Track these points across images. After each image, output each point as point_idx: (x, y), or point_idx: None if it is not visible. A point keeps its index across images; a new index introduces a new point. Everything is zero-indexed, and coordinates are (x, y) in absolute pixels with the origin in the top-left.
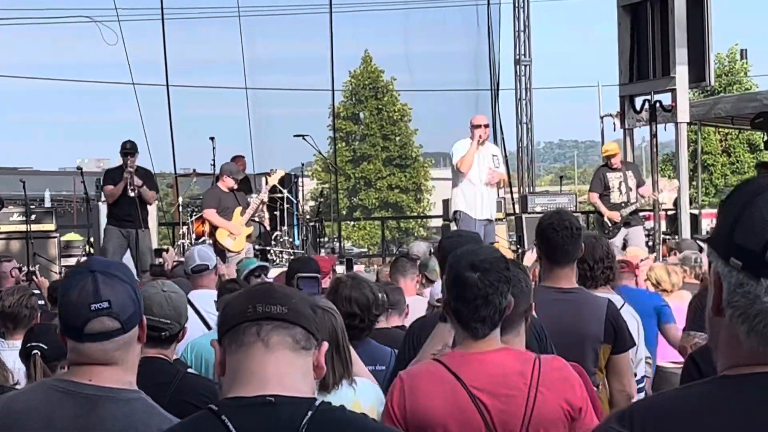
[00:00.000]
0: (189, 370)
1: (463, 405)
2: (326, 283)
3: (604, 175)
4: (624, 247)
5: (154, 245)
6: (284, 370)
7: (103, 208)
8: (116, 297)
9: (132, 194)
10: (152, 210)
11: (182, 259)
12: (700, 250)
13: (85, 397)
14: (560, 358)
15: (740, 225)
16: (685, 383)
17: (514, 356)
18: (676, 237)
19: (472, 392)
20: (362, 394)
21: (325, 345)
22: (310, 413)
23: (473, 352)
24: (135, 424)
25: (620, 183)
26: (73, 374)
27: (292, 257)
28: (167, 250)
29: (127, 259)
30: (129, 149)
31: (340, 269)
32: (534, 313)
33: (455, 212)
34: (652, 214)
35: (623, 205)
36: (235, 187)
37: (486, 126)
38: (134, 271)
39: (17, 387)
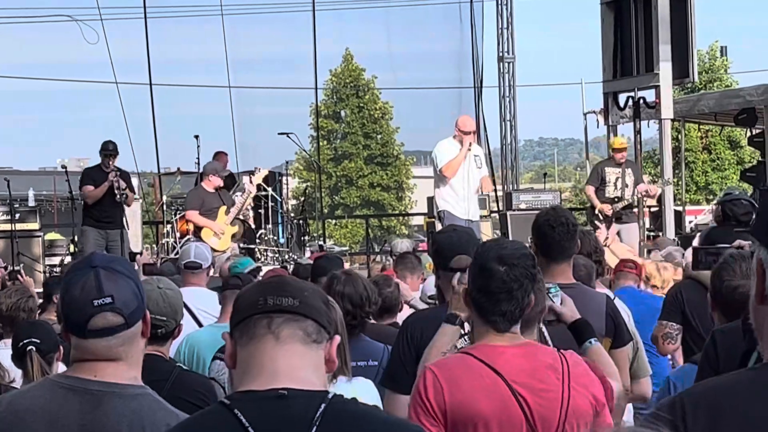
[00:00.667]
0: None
1: (506, 400)
2: None
3: (603, 170)
4: None
5: (138, 247)
6: (295, 363)
7: None
8: (119, 292)
9: (119, 198)
10: (136, 210)
11: (163, 257)
12: (683, 246)
13: (91, 394)
14: (574, 352)
15: None
16: (703, 359)
17: (541, 350)
18: (660, 234)
19: (513, 387)
20: (362, 390)
21: (337, 338)
22: (323, 406)
23: (501, 345)
24: (141, 419)
25: (617, 179)
26: (77, 371)
27: (277, 255)
28: (140, 253)
29: None
30: (111, 150)
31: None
32: None
33: (440, 211)
34: (636, 210)
35: (616, 200)
36: (221, 185)
37: (474, 132)
38: None
39: (13, 385)
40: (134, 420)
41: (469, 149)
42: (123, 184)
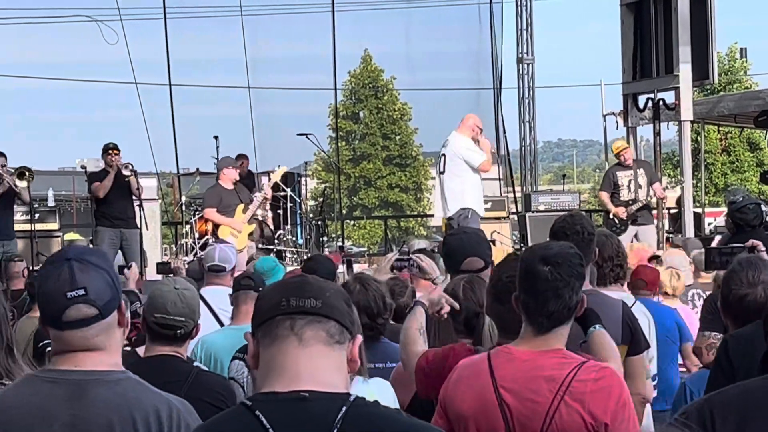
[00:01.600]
0: (197, 365)
1: (489, 402)
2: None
3: (614, 174)
4: None
5: (157, 248)
6: (318, 365)
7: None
8: (92, 284)
9: (126, 172)
10: (155, 210)
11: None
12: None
13: (75, 383)
14: (609, 367)
15: None
16: (716, 366)
17: (556, 361)
18: (680, 235)
19: (500, 391)
20: (378, 391)
21: (359, 338)
22: (344, 408)
23: (521, 350)
24: (128, 402)
25: (629, 181)
26: (58, 363)
27: (296, 256)
28: (129, 267)
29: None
30: (112, 147)
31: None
32: None
33: (467, 209)
34: (656, 212)
35: (630, 202)
36: (237, 178)
37: None
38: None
39: None
40: (121, 404)
41: None
42: (129, 171)
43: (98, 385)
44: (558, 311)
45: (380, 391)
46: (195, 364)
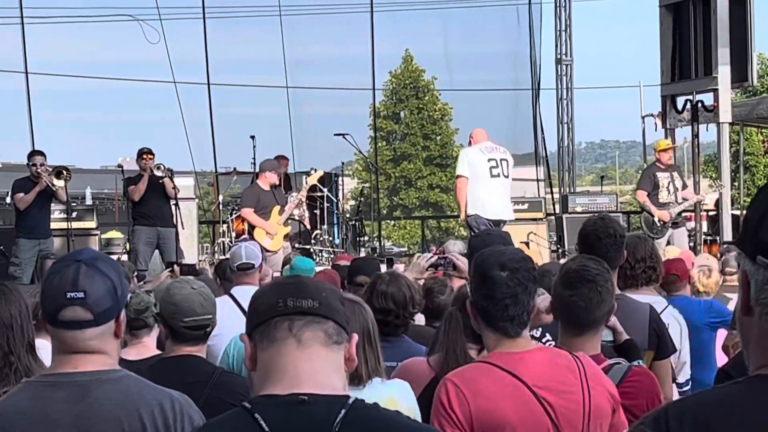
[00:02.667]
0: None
1: (531, 405)
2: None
3: (654, 174)
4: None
5: (193, 246)
6: (317, 367)
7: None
8: (93, 289)
9: (159, 173)
10: (192, 210)
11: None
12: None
13: (76, 385)
14: (585, 354)
15: (765, 223)
16: (719, 369)
17: (555, 353)
18: (718, 238)
19: (536, 391)
20: (400, 393)
21: (356, 337)
22: (343, 411)
23: (517, 352)
24: (132, 399)
25: (669, 183)
26: (57, 366)
27: (332, 256)
28: (177, 263)
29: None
30: (147, 151)
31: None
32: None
33: None
34: (693, 214)
35: (671, 205)
36: (277, 183)
37: None
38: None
39: None
40: (125, 401)
41: None
42: (162, 172)
43: (100, 385)
44: (518, 315)
45: (400, 393)
46: (219, 362)
